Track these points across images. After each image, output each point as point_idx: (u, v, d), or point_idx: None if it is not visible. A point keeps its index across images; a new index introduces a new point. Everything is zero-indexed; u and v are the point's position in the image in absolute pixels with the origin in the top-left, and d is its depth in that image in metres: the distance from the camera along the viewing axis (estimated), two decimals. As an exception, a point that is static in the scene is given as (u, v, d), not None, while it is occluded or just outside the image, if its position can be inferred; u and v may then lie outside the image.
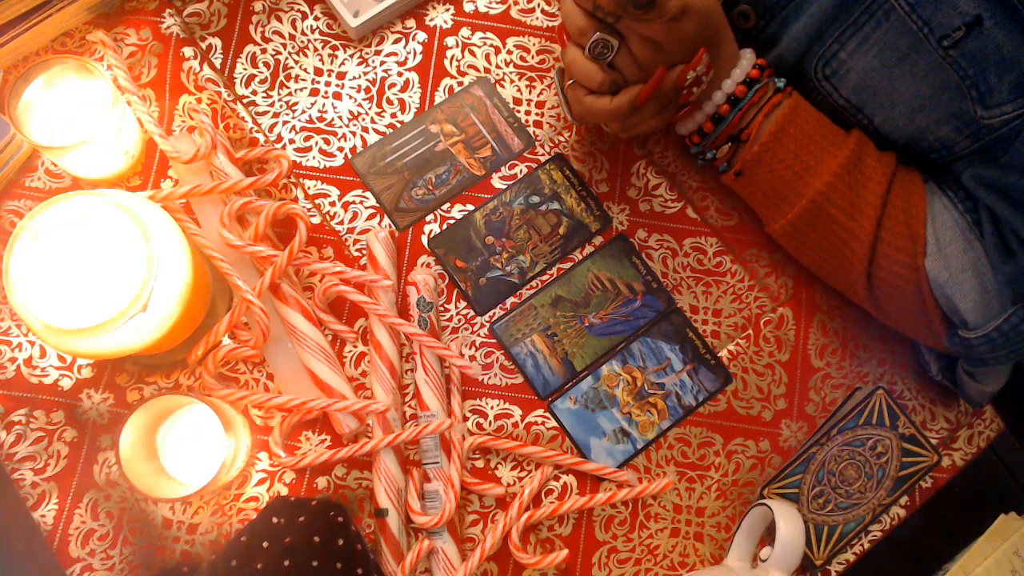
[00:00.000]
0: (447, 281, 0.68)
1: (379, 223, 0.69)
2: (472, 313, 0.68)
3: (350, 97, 0.70)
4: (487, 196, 0.70)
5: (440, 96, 0.71)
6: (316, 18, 0.71)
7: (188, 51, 0.68)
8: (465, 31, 0.72)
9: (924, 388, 0.72)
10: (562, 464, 0.66)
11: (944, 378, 0.69)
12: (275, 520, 0.58)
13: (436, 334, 0.66)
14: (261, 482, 0.64)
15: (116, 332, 0.52)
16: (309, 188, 0.69)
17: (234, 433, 0.59)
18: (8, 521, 0.60)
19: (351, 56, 0.71)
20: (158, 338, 0.55)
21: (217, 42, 0.70)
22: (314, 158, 0.69)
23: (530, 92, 0.72)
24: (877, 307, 0.65)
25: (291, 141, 0.69)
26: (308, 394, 0.64)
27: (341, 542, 0.58)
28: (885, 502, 0.68)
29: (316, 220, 0.68)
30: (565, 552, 0.64)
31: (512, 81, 0.72)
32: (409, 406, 0.66)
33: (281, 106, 0.70)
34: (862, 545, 0.68)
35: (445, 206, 0.69)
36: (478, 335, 0.68)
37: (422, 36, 0.72)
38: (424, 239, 0.69)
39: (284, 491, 0.64)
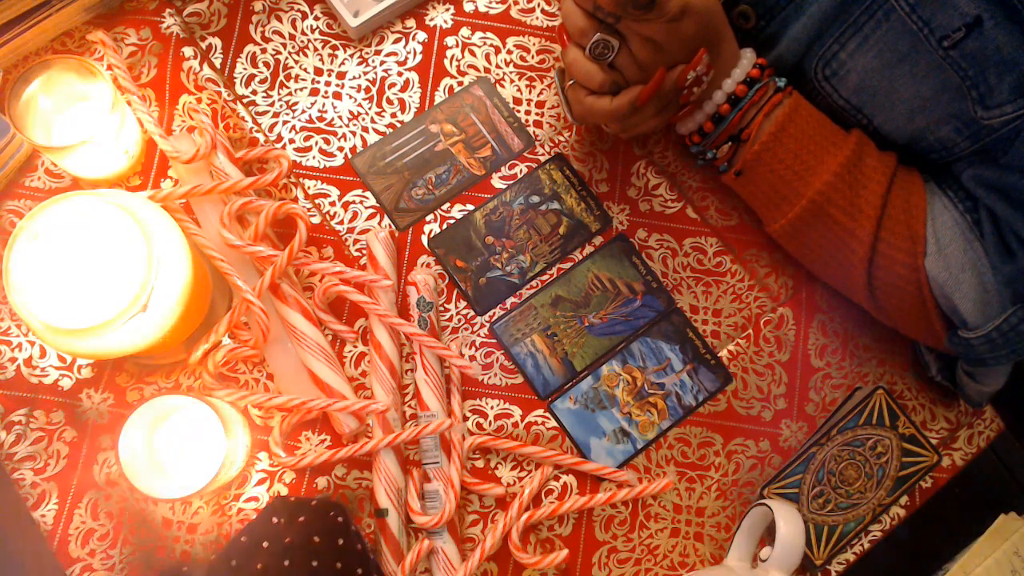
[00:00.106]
0: (447, 281, 0.68)
1: (379, 223, 0.69)
2: (472, 313, 0.68)
3: (350, 97, 0.70)
4: (487, 196, 0.70)
5: (440, 96, 0.71)
6: (316, 18, 0.71)
7: (188, 51, 0.68)
8: (465, 31, 0.72)
9: (924, 388, 0.72)
10: (562, 464, 0.66)
11: (943, 378, 0.69)
12: (275, 520, 0.58)
13: (436, 334, 0.66)
14: (261, 482, 0.64)
15: (116, 332, 0.52)
16: (309, 188, 0.69)
17: (234, 433, 0.59)
18: (8, 521, 0.60)
19: (351, 56, 0.71)
20: (158, 338, 0.55)
21: (217, 42, 0.70)
22: (314, 158, 0.69)
23: (530, 92, 0.72)
24: (877, 307, 0.65)
25: (291, 141, 0.69)
26: (308, 394, 0.64)
27: (341, 542, 0.58)
28: (885, 502, 0.68)
29: (316, 220, 0.68)
30: (565, 552, 0.64)
31: (512, 81, 0.72)
32: (409, 406, 0.66)
33: (281, 106, 0.70)
34: (862, 545, 0.68)
35: (445, 206, 0.69)
36: (478, 335, 0.68)
37: (422, 36, 0.72)
38: (424, 239, 0.69)
39: (284, 491, 0.64)
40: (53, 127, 0.63)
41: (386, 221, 0.69)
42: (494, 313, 0.68)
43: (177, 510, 0.62)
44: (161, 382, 0.64)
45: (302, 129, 0.69)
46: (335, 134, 0.70)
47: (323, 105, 0.70)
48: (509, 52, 0.72)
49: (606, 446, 0.67)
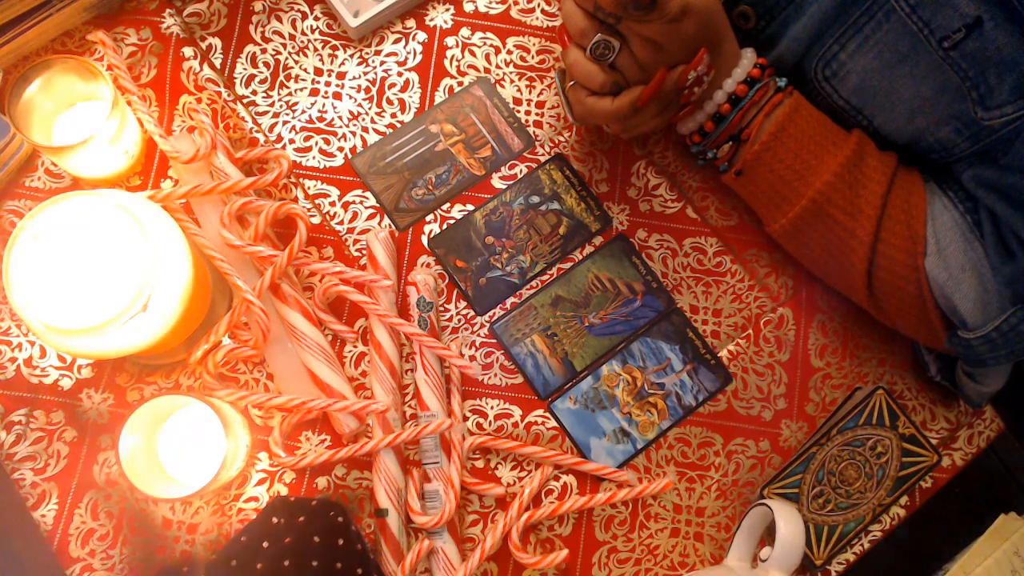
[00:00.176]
0: (447, 281, 0.68)
1: (379, 223, 0.69)
2: (472, 313, 0.68)
3: (350, 97, 0.70)
4: (487, 196, 0.70)
5: (440, 96, 0.71)
6: (316, 18, 0.71)
7: (188, 51, 0.68)
8: (465, 31, 0.72)
9: (924, 388, 0.72)
10: (562, 464, 0.66)
11: (943, 379, 0.69)
12: (275, 520, 0.58)
13: (436, 334, 0.66)
14: (261, 482, 0.64)
15: (116, 332, 0.52)
16: (309, 188, 0.69)
17: (234, 433, 0.59)
18: (8, 521, 0.60)
19: (351, 56, 0.71)
20: (158, 338, 0.55)
21: (217, 42, 0.70)
22: (314, 158, 0.69)
23: (530, 92, 0.72)
24: (877, 307, 0.65)
25: (291, 141, 0.69)
26: (308, 394, 0.64)
27: (341, 542, 0.58)
28: (885, 502, 0.68)
29: (316, 220, 0.68)
30: (565, 552, 0.64)
31: (512, 81, 0.72)
32: (409, 406, 0.66)
33: (281, 106, 0.70)
34: (862, 545, 0.68)
35: (445, 206, 0.69)
36: (478, 335, 0.68)
37: (422, 36, 0.72)
38: (424, 239, 0.69)
39: (284, 491, 0.64)
40: (53, 127, 0.63)
41: (386, 221, 0.69)
42: (494, 313, 0.68)
43: (177, 510, 0.62)
44: (161, 382, 0.64)
45: (302, 129, 0.69)
46: (335, 134, 0.70)
47: (323, 105, 0.70)
48: (509, 52, 0.72)
49: (606, 446, 0.67)
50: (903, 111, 0.60)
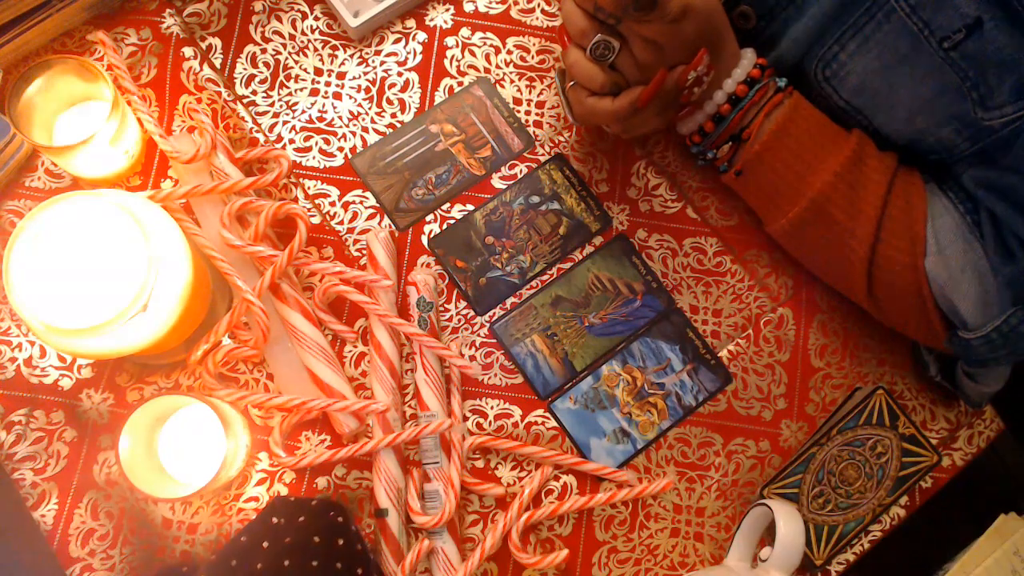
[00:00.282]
0: (447, 281, 0.68)
1: (379, 223, 0.69)
2: (472, 313, 0.68)
3: (350, 97, 0.70)
4: (487, 196, 0.70)
5: (440, 96, 0.71)
6: (316, 18, 0.71)
7: (188, 51, 0.68)
8: (465, 31, 0.72)
9: (924, 388, 0.72)
10: (562, 464, 0.66)
11: (943, 379, 0.69)
12: (275, 520, 0.58)
13: (436, 334, 0.66)
14: (261, 482, 0.64)
15: (116, 332, 0.52)
16: (309, 188, 0.69)
17: (234, 433, 0.59)
18: (8, 521, 0.60)
19: (351, 56, 0.71)
20: (158, 338, 0.55)
21: (217, 42, 0.70)
22: (314, 158, 0.69)
23: (530, 92, 0.72)
24: (877, 307, 0.65)
25: (291, 141, 0.69)
26: (308, 394, 0.64)
27: (341, 542, 0.58)
28: (885, 502, 0.68)
29: (316, 220, 0.68)
30: (565, 552, 0.64)
31: (512, 81, 0.72)
32: (409, 406, 0.66)
33: (281, 106, 0.70)
34: (862, 545, 0.68)
35: (445, 206, 0.69)
36: (478, 335, 0.68)
37: (422, 36, 0.72)
38: (424, 239, 0.69)
39: (284, 491, 0.64)
40: (53, 127, 0.63)
41: (386, 221, 0.69)
42: (494, 313, 0.68)
43: (177, 510, 0.62)
44: (161, 382, 0.64)
45: (302, 129, 0.69)
46: (335, 134, 0.70)
47: (323, 105, 0.70)
48: (509, 52, 0.72)
49: (606, 446, 0.67)
50: (903, 111, 0.60)
